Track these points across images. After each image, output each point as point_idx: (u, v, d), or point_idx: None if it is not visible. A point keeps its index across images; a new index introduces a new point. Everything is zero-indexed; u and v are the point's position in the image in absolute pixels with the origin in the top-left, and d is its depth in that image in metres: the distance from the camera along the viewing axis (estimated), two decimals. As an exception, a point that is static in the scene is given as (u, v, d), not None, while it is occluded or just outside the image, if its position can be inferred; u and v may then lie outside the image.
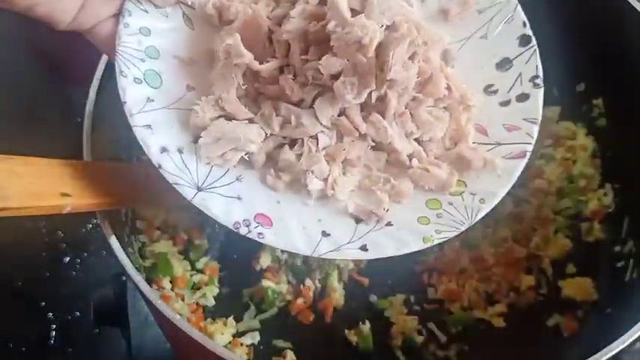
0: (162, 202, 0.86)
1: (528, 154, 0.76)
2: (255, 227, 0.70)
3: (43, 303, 1.09)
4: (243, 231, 0.69)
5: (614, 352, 0.72)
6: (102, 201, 0.76)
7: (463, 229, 0.72)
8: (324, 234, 0.71)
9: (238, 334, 0.94)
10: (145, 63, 0.74)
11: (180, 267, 0.94)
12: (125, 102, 0.71)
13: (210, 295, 0.95)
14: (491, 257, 0.99)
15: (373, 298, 0.99)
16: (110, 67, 0.85)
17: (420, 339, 0.95)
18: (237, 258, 1.00)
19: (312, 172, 0.72)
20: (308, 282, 0.98)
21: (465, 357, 0.94)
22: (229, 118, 0.73)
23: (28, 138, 1.02)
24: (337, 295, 0.97)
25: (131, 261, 0.76)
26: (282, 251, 0.99)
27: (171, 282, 0.92)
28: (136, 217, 0.94)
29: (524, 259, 1.00)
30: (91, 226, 1.14)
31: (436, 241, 0.71)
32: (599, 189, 1.04)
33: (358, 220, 0.73)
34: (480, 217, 0.73)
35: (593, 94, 1.06)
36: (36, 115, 1.22)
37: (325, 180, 0.73)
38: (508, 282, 0.98)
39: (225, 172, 0.73)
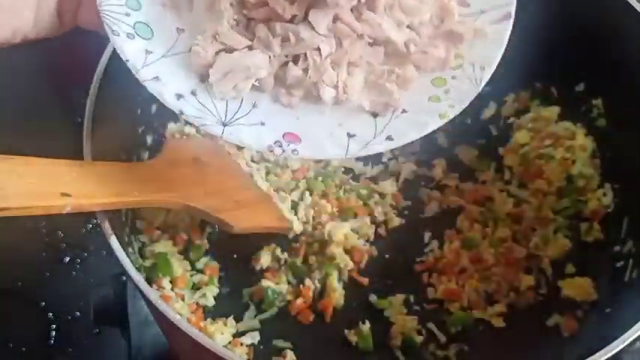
0: (163, 202, 0.86)
1: (513, 14, 0.78)
2: (288, 145, 0.72)
3: (43, 303, 1.09)
4: (277, 151, 0.72)
5: (613, 352, 0.73)
6: (102, 201, 0.76)
7: (472, 97, 0.75)
8: (350, 135, 0.74)
9: (238, 334, 0.94)
10: (131, 17, 0.74)
11: (180, 267, 0.94)
12: (128, 60, 0.72)
13: (210, 295, 0.95)
14: (491, 257, 1.00)
15: (373, 298, 0.99)
16: (111, 67, 0.86)
17: (419, 339, 0.95)
18: (237, 258, 1.00)
19: (323, 81, 0.74)
20: (308, 282, 0.98)
21: (465, 357, 0.94)
22: (230, 50, 0.74)
23: (28, 138, 1.02)
24: (337, 295, 0.97)
25: (131, 261, 0.76)
26: (282, 251, 0.99)
27: (171, 282, 0.92)
28: (136, 217, 0.94)
29: (523, 259, 1.00)
30: (91, 226, 1.14)
31: (451, 115, 0.74)
32: (599, 189, 1.04)
33: (375, 115, 0.75)
34: (484, 82, 0.76)
35: (592, 95, 1.06)
36: (36, 115, 1.22)
37: (336, 86, 0.75)
38: (508, 282, 0.98)
39: (241, 103, 0.75)
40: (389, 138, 0.73)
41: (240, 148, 1.02)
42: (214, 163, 0.98)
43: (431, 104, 0.75)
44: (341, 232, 0.99)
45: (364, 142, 0.73)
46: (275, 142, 0.72)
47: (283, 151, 0.72)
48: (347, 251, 1.00)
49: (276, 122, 0.74)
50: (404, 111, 0.75)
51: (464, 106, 0.75)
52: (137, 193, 0.80)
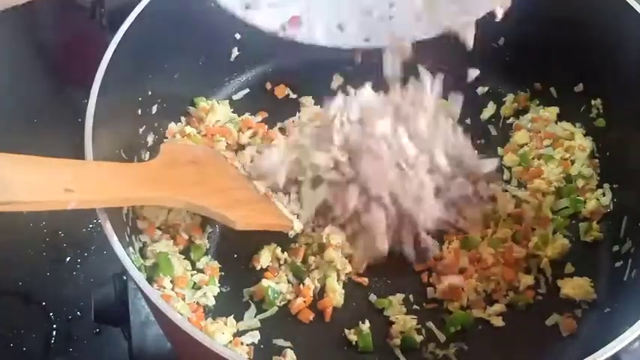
0: (164, 200, 0.86)
1: None
2: (290, 29, 0.89)
3: (44, 303, 1.09)
4: (280, 34, 0.89)
5: (612, 352, 0.73)
6: (104, 198, 0.77)
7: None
8: (340, 27, 0.90)
9: (239, 334, 0.94)
10: None
11: (180, 266, 0.94)
12: None
13: (210, 294, 0.96)
14: (491, 257, 1.00)
15: (373, 297, 0.99)
16: (112, 68, 0.86)
17: (419, 338, 0.95)
18: (237, 258, 1.01)
19: None
20: (308, 281, 0.98)
21: (464, 356, 0.94)
22: None
23: (30, 139, 1.03)
24: (337, 295, 0.97)
25: (132, 260, 0.77)
26: (282, 250, 1.00)
27: (171, 281, 0.93)
28: (137, 216, 0.94)
29: (523, 258, 1.00)
30: (91, 225, 1.14)
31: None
32: (598, 189, 1.04)
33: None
34: None
35: (591, 95, 1.06)
36: (37, 116, 1.22)
37: None
38: (507, 282, 0.98)
39: None
40: (366, 40, 0.90)
41: (236, 151, 1.05)
42: (212, 166, 0.98)
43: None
44: (339, 237, 0.99)
45: (347, 38, 0.90)
46: (281, 26, 0.88)
47: (285, 35, 0.89)
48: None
49: (287, 3, 0.89)
50: (391, 17, 0.90)
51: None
52: (139, 191, 0.81)
